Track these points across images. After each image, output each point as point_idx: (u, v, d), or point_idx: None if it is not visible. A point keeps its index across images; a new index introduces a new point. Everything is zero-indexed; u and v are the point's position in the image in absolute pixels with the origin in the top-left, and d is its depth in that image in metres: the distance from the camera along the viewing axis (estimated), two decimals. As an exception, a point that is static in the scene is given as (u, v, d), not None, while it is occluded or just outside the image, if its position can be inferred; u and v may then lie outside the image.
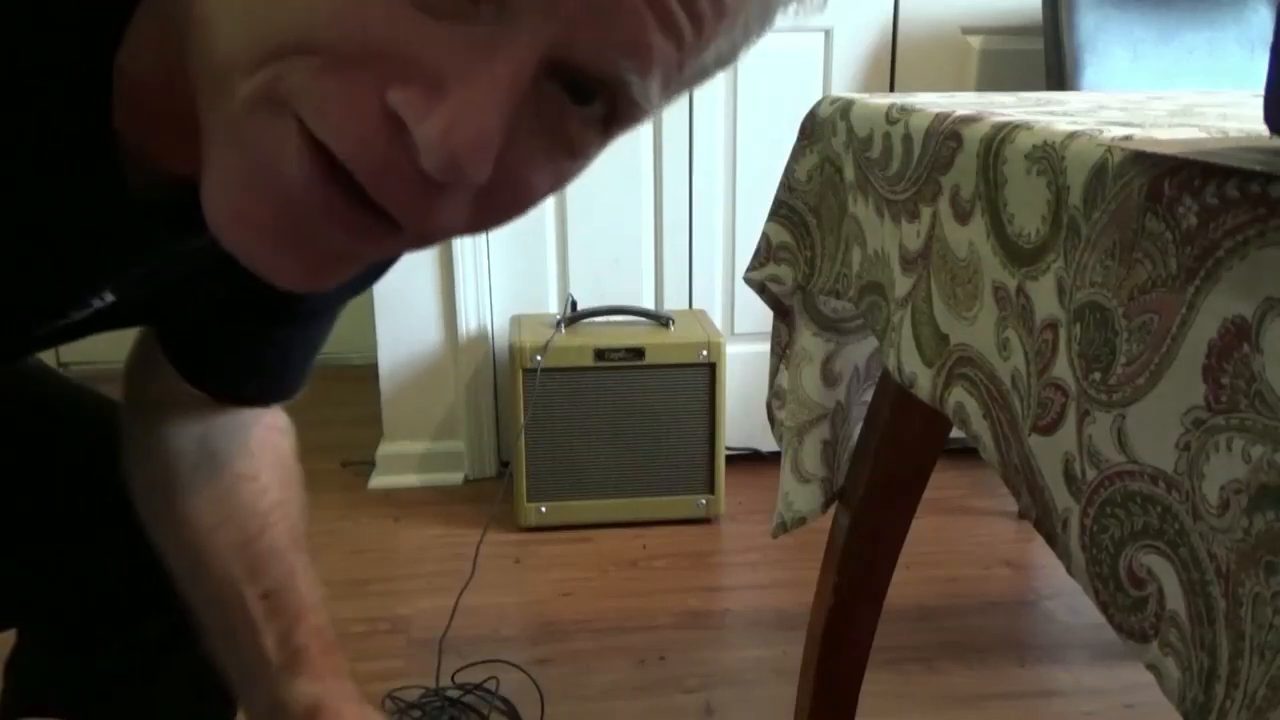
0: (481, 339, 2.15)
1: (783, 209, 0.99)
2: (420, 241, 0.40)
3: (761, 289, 1.04)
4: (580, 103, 0.37)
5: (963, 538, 1.97)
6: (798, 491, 1.06)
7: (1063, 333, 0.54)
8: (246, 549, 0.68)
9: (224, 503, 0.69)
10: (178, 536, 0.69)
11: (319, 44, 0.34)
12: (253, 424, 0.72)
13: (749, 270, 1.03)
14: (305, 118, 0.35)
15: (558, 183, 0.40)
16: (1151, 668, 0.47)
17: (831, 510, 1.08)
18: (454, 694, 1.48)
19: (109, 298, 0.56)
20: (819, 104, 0.96)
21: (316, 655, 0.65)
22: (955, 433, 0.78)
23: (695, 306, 2.19)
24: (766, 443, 2.13)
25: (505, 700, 1.48)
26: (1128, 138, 0.52)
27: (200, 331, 0.67)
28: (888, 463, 1.01)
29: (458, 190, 0.36)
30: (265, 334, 0.67)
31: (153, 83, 0.41)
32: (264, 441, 0.73)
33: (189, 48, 0.38)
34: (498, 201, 0.39)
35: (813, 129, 0.96)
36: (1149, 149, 0.48)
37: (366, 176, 0.35)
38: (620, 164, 2.09)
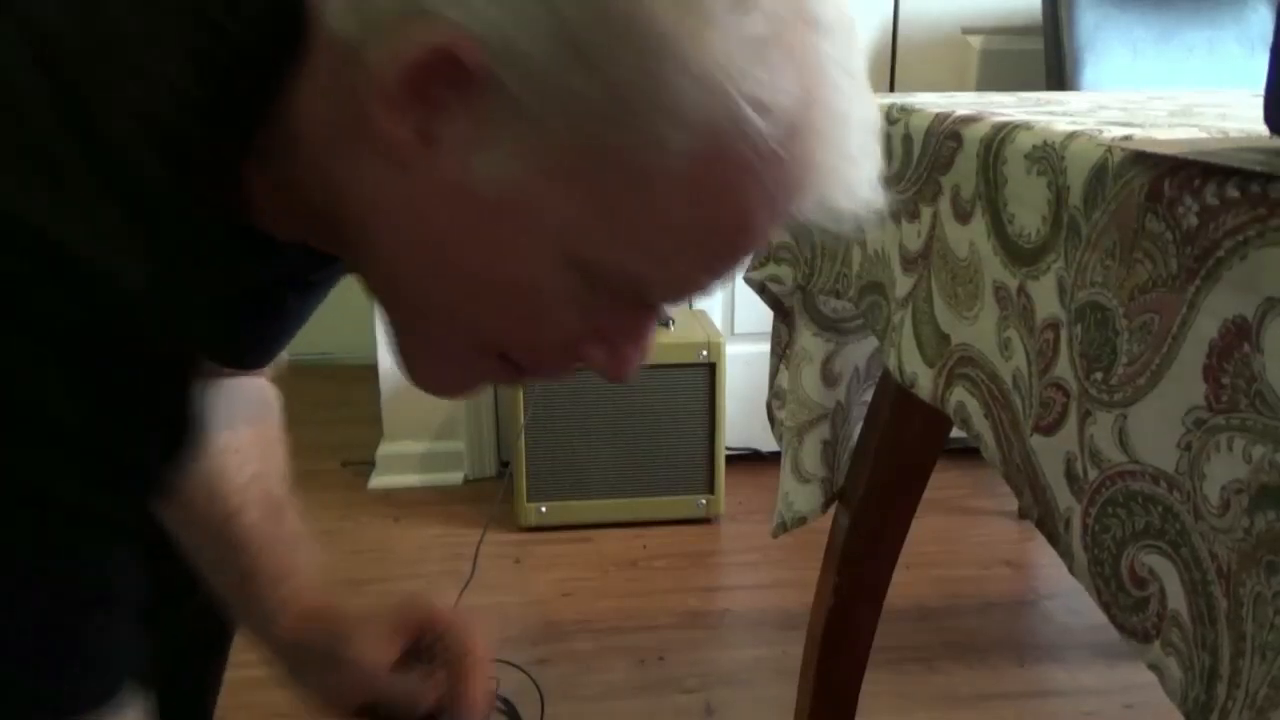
0: (481, 339, 2.15)
1: (783, 209, 0.99)
2: None
3: (761, 289, 1.04)
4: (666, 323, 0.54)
5: (963, 538, 1.97)
6: (798, 491, 1.06)
7: (1064, 333, 0.54)
8: (226, 524, 0.72)
9: (207, 475, 0.72)
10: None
11: (524, 346, 0.50)
12: (243, 384, 0.75)
13: (749, 270, 1.03)
14: (508, 356, 0.50)
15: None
16: (1153, 667, 0.47)
17: (831, 510, 1.08)
18: (454, 694, 1.48)
19: None
20: (819, 104, 0.96)
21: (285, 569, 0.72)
22: (956, 433, 0.78)
23: (695, 306, 2.19)
24: (766, 443, 2.13)
25: (505, 700, 1.47)
26: (1128, 138, 0.52)
27: None
28: (888, 463, 1.01)
29: None
30: (279, 305, 0.69)
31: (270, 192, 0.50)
32: (251, 402, 0.76)
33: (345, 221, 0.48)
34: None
35: (813, 129, 0.96)
36: (1149, 149, 0.48)
37: (539, 378, 0.53)
38: (620, 164, 2.09)
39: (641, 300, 0.49)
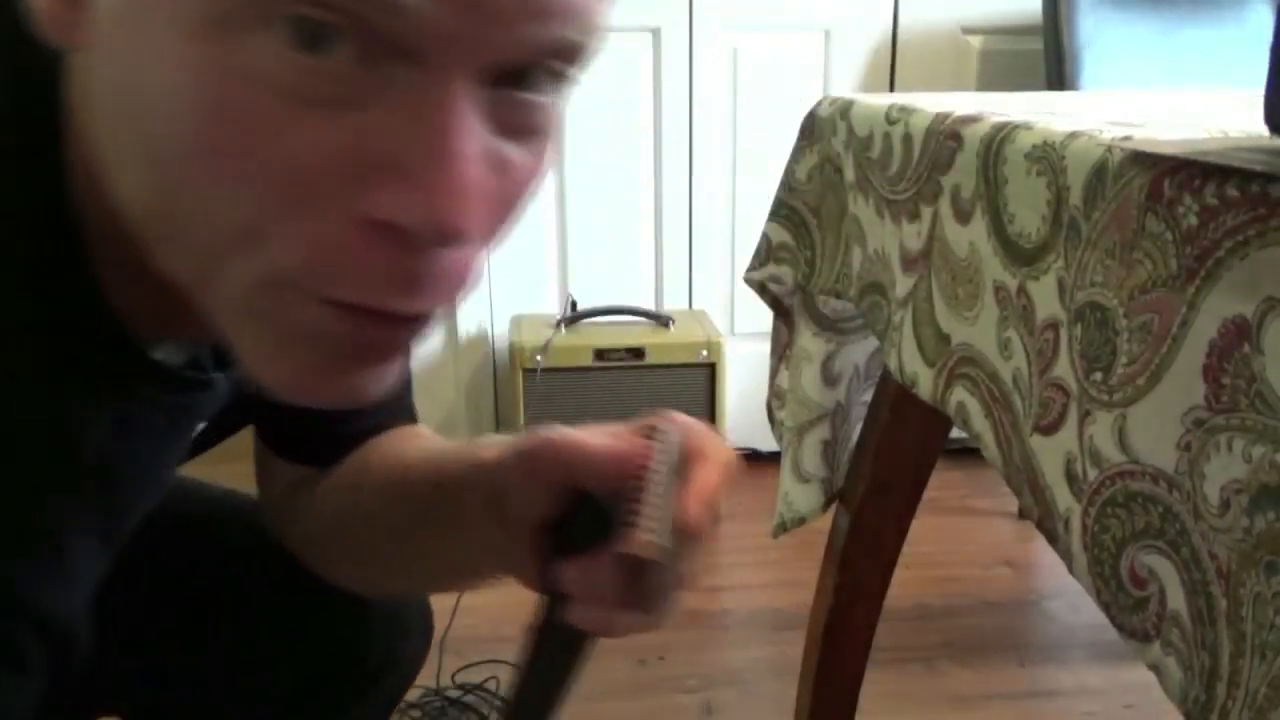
0: (481, 339, 2.15)
1: (783, 209, 0.99)
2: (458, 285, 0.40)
3: (761, 289, 1.04)
4: (526, 87, 0.36)
5: (963, 538, 1.97)
6: (798, 491, 1.06)
7: (1063, 333, 0.54)
8: (404, 470, 0.64)
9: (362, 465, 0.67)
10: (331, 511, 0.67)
11: (292, 236, 0.34)
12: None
13: (749, 270, 1.03)
14: (306, 287, 0.35)
15: (544, 161, 0.39)
16: (1153, 667, 0.47)
17: (831, 510, 1.08)
18: (454, 694, 1.48)
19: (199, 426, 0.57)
20: (819, 104, 0.96)
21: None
22: (956, 433, 0.78)
23: (695, 306, 2.18)
24: (766, 443, 2.12)
25: (505, 700, 1.48)
26: (1128, 138, 0.52)
27: (298, 417, 0.66)
28: (888, 463, 1.01)
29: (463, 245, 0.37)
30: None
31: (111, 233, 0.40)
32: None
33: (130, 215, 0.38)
34: (500, 213, 0.38)
35: (813, 129, 0.96)
36: (1149, 149, 0.48)
37: (382, 304, 0.36)
38: (620, 164, 2.09)
39: (400, 48, 0.32)
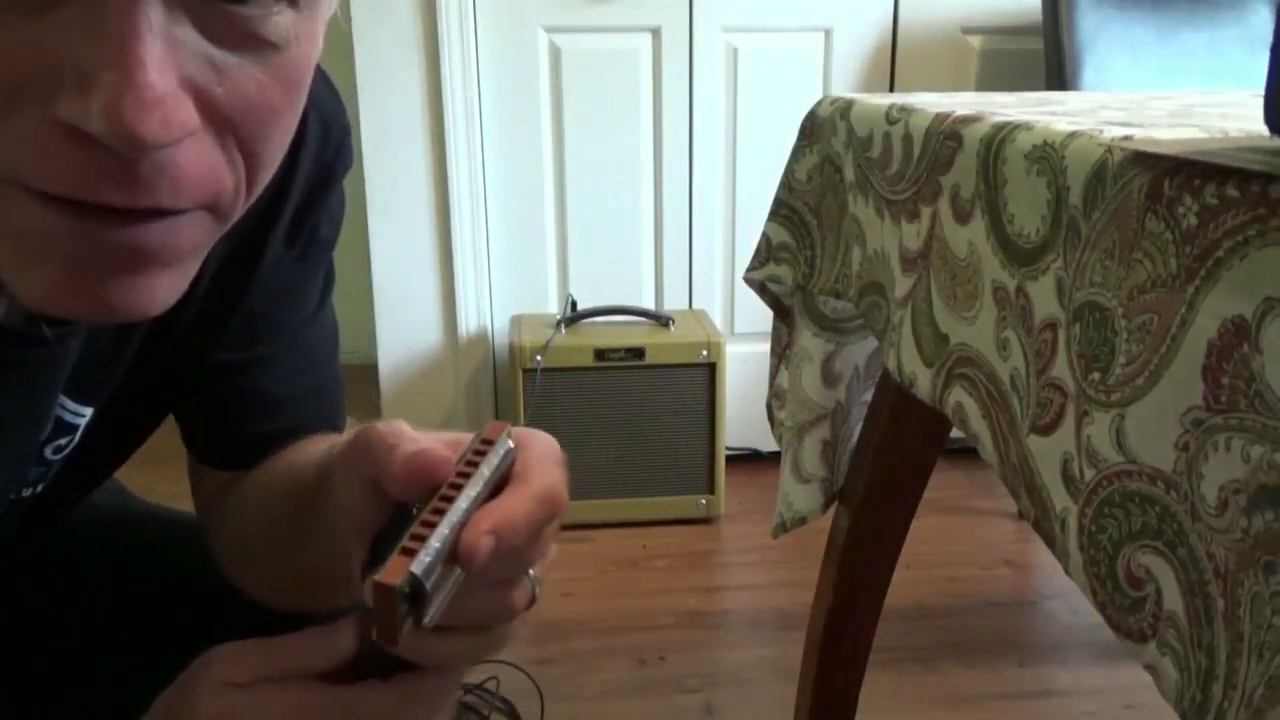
0: (481, 339, 2.15)
1: (783, 209, 0.99)
2: (216, 208, 0.39)
3: (761, 289, 1.04)
4: (239, 0, 0.36)
5: (963, 538, 1.97)
6: (798, 491, 1.06)
7: (1062, 333, 0.54)
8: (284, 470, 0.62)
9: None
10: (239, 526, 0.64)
11: None
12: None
13: (749, 270, 1.03)
14: (22, 185, 0.35)
15: (288, 80, 0.39)
16: (1149, 668, 0.47)
17: (831, 510, 1.08)
18: (454, 694, 1.48)
19: (86, 413, 0.55)
20: (819, 104, 0.96)
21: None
22: (955, 433, 0.78)
23: (695, 306, 2.19)
24: (766, 443, 2.13)
25: (505, 700, 1.48)
26: (1128, 138, 0.52)
27: (210, 417, 0.65)
28: (888, 463, 1.01)
29: (182, 148, 0.36)
30: (253, 379, 0.64)
31: None
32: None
33: None
34: (240, 132, 0.38)
35: (813, 129, 0.96)
36: (1149, 149, 0.48)
37: (90, 194, 0.35)
38: (620, 164, 2.09)
39: None
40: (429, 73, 2.00)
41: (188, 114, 0.34)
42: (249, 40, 0.36)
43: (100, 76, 0.32)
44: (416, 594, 0.38)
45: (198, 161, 0.37)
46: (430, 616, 0.39)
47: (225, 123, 0.37)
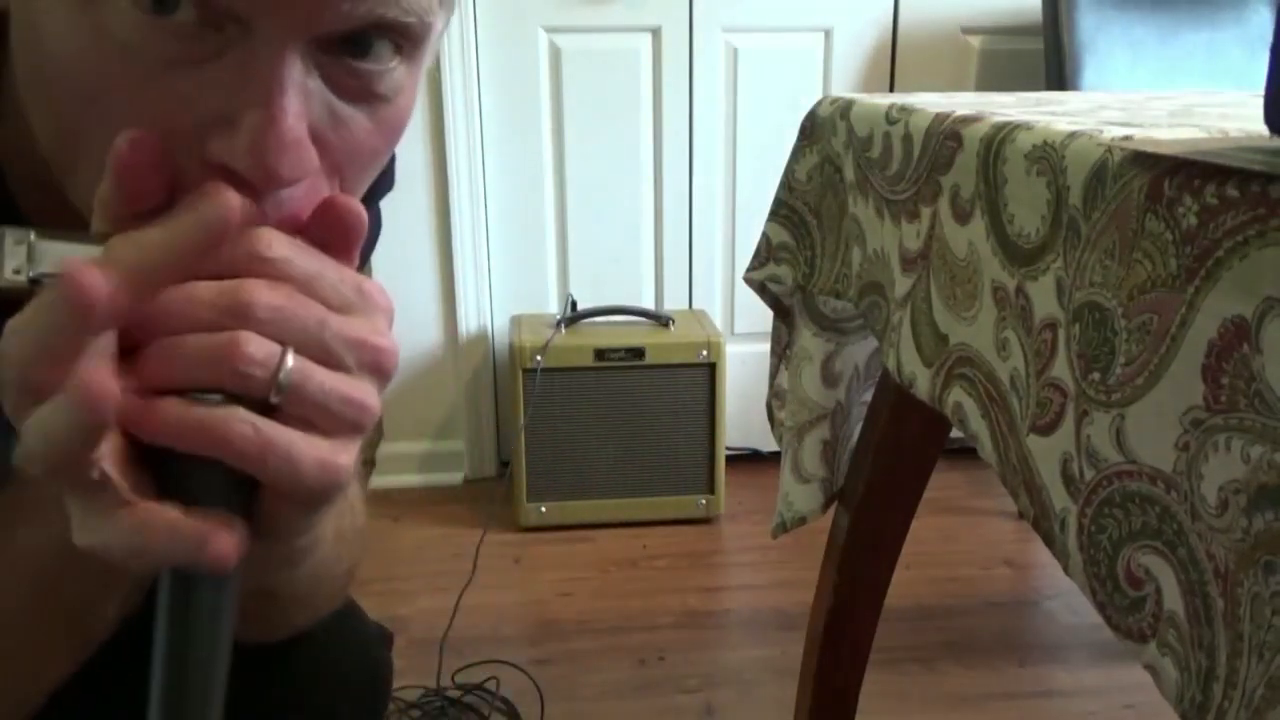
0: (481, 339, 2.15)
1: (783, 209, 0.99)
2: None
3: (761, 289, 1.04)
4: (363, 56, 0.40)
5: (963, 538, 1.97)
6: (798, 491, 1.06)
7: (1062, 333, 0.54)
8: None
9: None
10: None
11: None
12: None
13: (749, 270, 1.03)
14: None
15: (391, 129, 0.43)
16: (1149, 668, 0.47)
17: (831, 510, 1.08)
18: (454, 694, 1.48)
19: None
20: (819, 104, 0.96)
21: None
22: (955, 433, 0.78)
23: (695, 306, 2.19)
24: (766, 443, 2.13)
25: (505, 700, 1.48)
26: (1128, 138, 0.52)
27: None
28: (888, 463, 1.01)
29: (300, 187, 0.39)
30: None
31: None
32: None
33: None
34: (345, 173, 0.42)
35: (813, 129, 0.96)
36: (1149, 149, 0.48)
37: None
38: (620, 164, 2.09)
39: (232, 14, 0.37)
40: (429, 73, 2.00)
41: (311, 158, 0.39)
42: (364, 92, 0.41)
43: (245, 119, 0.37)
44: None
45: (307, 204, 0.40)
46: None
47: (335, 166, 0.41)
